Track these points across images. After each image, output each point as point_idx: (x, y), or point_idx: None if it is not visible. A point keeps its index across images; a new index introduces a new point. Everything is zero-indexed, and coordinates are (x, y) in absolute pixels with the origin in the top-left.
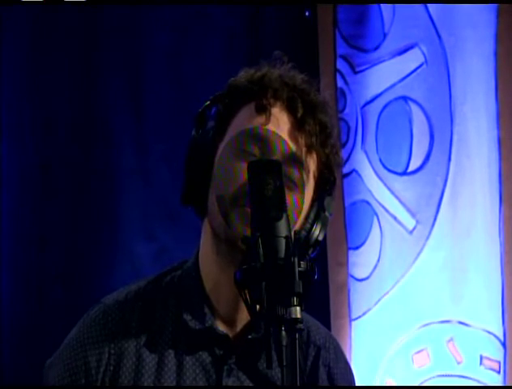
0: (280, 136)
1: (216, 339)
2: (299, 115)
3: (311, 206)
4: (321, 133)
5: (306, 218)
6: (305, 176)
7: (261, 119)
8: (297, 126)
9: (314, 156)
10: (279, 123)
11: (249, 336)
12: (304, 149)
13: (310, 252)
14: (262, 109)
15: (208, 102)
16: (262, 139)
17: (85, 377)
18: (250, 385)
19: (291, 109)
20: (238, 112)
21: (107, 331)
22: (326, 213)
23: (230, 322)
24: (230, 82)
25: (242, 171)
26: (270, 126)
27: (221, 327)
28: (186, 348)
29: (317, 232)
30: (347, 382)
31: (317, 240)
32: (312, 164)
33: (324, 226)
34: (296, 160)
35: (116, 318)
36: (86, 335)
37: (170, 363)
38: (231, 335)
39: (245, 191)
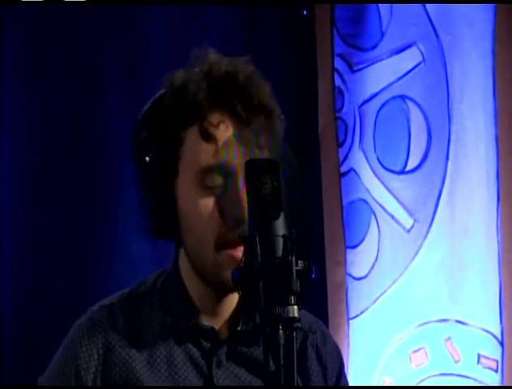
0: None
1: (202, 332)
2: (243, 120)
3: None
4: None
5: None
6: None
7: (211, 147)
8: (244, 128)
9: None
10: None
11: (238, 328)
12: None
13: None
14: (209, 137)
15: (141, 124)
16: (224, 172)
17: (75, 379)
18: (241, 374)
19: (234, 115)
20: (184, 140)
21: (93, 334)
22: None
23: (214, 315)
24: (160, 99)
25: (212, 208)
26: (225, 152)
27: (206, 320)
28: (174, 344)
29: None
30: (336, 362)
31: None
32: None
33: None
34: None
35: (102, 320)
36: (73, 341)
37: (159, 358)
38: (217, 327)
39: (223, 231)
